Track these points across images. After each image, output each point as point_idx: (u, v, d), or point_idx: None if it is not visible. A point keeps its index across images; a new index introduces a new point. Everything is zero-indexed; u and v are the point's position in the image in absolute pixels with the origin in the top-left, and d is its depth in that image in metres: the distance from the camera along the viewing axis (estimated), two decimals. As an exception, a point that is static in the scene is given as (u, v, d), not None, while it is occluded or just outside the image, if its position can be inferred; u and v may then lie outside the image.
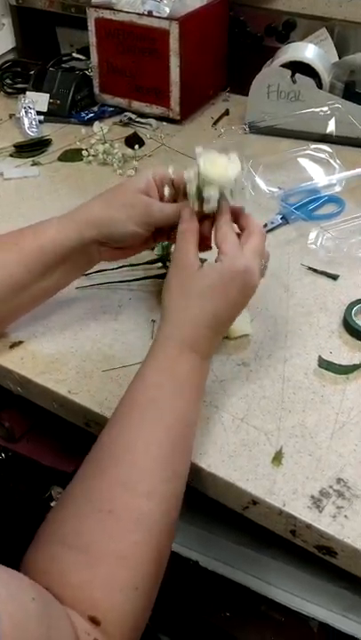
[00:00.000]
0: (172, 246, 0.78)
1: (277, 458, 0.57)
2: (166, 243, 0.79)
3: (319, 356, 0.66)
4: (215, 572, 0.76)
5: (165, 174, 0.65)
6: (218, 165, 0.59)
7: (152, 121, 1.20)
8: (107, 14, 1.13)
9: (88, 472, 0.51)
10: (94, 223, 0.63)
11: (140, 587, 0.46)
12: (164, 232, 0.68)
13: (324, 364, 0.66)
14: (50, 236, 0.64)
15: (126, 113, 1.22)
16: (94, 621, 0.43)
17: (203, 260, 0.59)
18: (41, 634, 0.38)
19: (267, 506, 0.54)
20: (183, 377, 0.55)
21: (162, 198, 0.65)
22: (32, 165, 1.09)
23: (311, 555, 0.56)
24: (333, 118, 1.06)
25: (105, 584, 0.45)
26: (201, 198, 0.60)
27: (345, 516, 0.53)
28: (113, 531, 0.47)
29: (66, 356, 0.69)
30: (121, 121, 1.22)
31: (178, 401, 0.54)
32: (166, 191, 0.65)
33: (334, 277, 0.80)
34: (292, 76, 1.07)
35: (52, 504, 0.87)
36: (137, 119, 1.21)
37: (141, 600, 0.46)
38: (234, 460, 0.57)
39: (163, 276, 0.79)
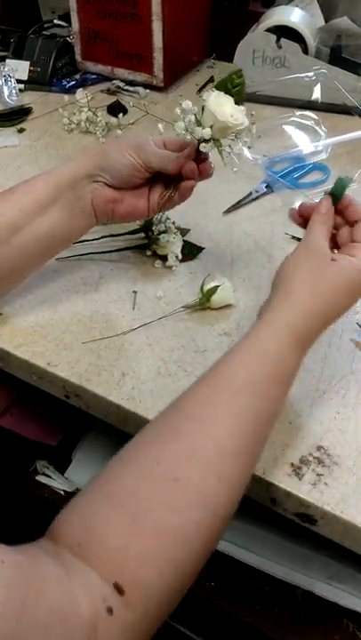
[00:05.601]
0: (155, 216, 0.77)
1: (258, 427, 0.57)
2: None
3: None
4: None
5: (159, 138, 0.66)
6: (225, 107, 0.59)
7: (140, 89, 1.18)
8: (87, -23, 1.10)
9: (160, 432, 0.47)
10: (87, 156, 0.64)
11: (180, 567, 0.42)
12: (159, 186, 0.67)
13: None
14: (42, 177, 0.65)
15: (114, 81, 1.20)
16: (118, 589, 0.39)
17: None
18: (11, 601, 0.34)
19: (251, 475, 0.54)
20: (288, 369, 0.51)
21: None
22: (18, 132, 1.07)
23: (295, 524, 0.55)
24: (319, 84, 1.04)
25: (143, 555, 0.41)
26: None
27: (325, 484, 0.52)
28: (173, 501, 0.43)
29: (45, 327, 0.68)
30: (109, 89, 1.19)
31: (274, 390, 0.50)
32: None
33: (318, 246, 0.79)
34: (278, 40, 1.05)
35: (37, 477, 0.87)
36: (125, 87, 1.19)
37: (177, 580, 0.42)
38: (214, 430, 0.57)
39: (145, 247, 0.78)
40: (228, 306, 0.70)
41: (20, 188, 0.64)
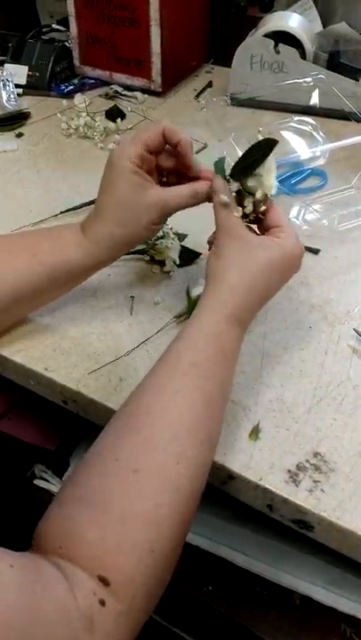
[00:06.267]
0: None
1: (255, 432, 0.57)
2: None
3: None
4: (197, 546, 0.76)
5: (137, 145, 0.60)
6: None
7: (138, 94, 1.18)
8: (86, -18, 1.10)
9: (117, 429, 0.50)
10: (116, 245, 0.62)
11: (156, 549, 0.44)
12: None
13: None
14: (68, 258, 0.62)
15: (112, 85, 1.20)
16: (104, 581, 0.42)
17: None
18: (22, 602, 0.37)
19: (243, 480, 0.54)
20: (228, 347, 0.54)
21: (158, 169, 0.63)
22: (16, 137, 1.07)
23: (293, 529, 0.56)
24: (317, 90, 1.04)
25: (118, 544, 0.43)
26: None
27: (321, 490, 0.52)
28: (136, 491, 0.45)
29: (43, 333, 0.68)
30: (107, 94, 1.19)
31: (219, 369, 0.53)
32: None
33: (315, 252, 0.79)
34: (276, 46, 1.05)
35: (35, 482, 0.87)
36: (123, 92, 1.19)
37: (157, 564, 0.44)
38: (211, 436, 0.57)
39: (142, 252, 0.78)
40: None
41: (45, 257, 0.62)
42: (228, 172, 0.60)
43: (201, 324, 0.54)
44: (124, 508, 0.45)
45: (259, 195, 0.58)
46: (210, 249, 0.60)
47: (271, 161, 0.59)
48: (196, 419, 0.50)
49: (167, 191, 0.61)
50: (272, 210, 0.59)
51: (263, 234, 0.59)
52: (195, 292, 0.70)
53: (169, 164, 0.63)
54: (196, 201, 0.62)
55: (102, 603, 0.41)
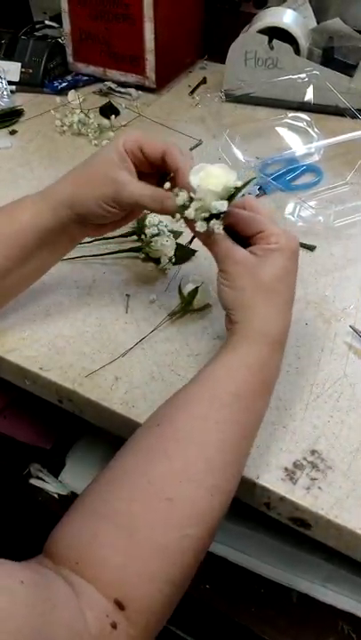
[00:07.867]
0: (147, 219, 0.76)
1: (251, 431, 0.57)
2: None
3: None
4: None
5: (138, 140, 0.59)
6: (215, 176, 0.53)
7: (132, 90, 1.18)
8: (78, -22, 1.10)
9: (148, 450, 0.48)
10: (66, 203, 0.60)
11: (176, 579, 0.44)
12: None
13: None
14: (26, 221, 0.61)
15: (106, 82, 1.19)
16: (119, 605, 0.41)
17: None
18: (32, 619, 0.36)
19: (240, 478, 0.54)
20: (270, 375, 0.53)
21: (137, 166, 0.60)
22: (10, 134, 1.06)
23: (289, 526, 0.55)
24: (311, 86, 1.04)
25: (141, 572, 0.43)
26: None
27: (319, 488, 0.52)
28: (167, 520, 0.44)
29: (37, 332, 0.68)
30: (101, 90, 1.19)
31: (260, 401, 0.52)
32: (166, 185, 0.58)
33: (311, 248, 0.79)
34: (270, 42, 1.04)
35: (30, 481, 0.87)
36: (117, 89, 1.19)
37: (173, 592, 0.44)
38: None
39: (137, 250, 0.78)
40: (207, 306, 0.70)
41: (3, 228, 0.61)
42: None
43: (239, 353, 0.52)
44: (152, 537, 0.44)
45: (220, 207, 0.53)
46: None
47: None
48: (232, 452, 0.49)
49: (133, 181, 0.58)
50: (248, 217, 0.55)
51: (248, 243, 0.55)
52: (187, 289, 0.69)
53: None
54: (156, 206, 0.58)
55: (114, 626, 0.40)
